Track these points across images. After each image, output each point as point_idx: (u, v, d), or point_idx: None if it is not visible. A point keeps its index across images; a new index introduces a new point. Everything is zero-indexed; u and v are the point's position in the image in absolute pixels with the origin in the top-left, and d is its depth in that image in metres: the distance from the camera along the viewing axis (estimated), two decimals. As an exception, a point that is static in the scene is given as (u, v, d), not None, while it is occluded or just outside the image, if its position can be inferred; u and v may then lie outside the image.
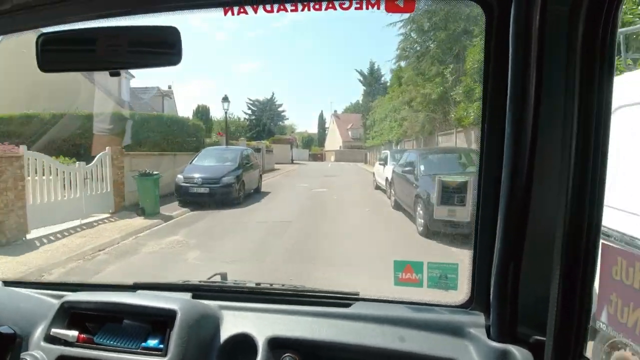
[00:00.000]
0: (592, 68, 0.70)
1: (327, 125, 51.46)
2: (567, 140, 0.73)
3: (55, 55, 0.87)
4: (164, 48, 0.86)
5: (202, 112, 28.55)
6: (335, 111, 48.98)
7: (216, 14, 0.88)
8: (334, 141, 47.70)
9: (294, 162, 30.68)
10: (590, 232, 0.73)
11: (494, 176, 0.88)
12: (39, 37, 0.86)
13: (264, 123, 40.01)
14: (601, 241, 0.77)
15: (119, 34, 0.85)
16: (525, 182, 0.82)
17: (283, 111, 42.68)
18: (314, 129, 55.05)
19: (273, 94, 45.99)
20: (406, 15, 11.54)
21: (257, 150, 19.68)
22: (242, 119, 39.24)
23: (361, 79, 33.80)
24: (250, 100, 39.91)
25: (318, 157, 44.60)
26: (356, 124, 46.22)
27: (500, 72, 0.84)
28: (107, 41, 0.84)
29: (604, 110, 0.71)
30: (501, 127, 0.84)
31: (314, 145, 51.76)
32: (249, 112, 40.53)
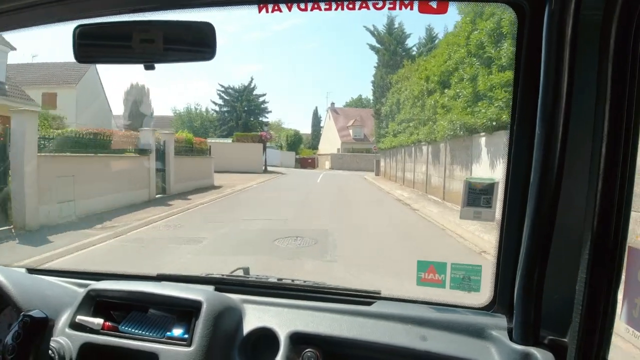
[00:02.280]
0: (624, 73, 0.93)
1: (322, 125, 50.94)
2: (597, 145, 0.97)
3: (91, 48, 1.17)
4: (198, 43, 1.16)
5: (135, 94, 26.76)
6: (333, 104, 48.20)
7: (246, 11, 1.19)
8: (330, 142, 47.22)
9: (269, 169, 29.35)
10: (617, 235, 0.96)
11: (522, 178, 1.15)
12: (75, 28, 1.15)
13: (239, 116, 39.08)
14: (628, 245, 1.00)
15: (155, 29, 1.14)
16: (554, 185, 1.05)
17: (265, 102, 41.60)
18: (308, 130, 55.88)
19: (252, 79, 45.60)
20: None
21: (142, 151, 12.73)
22: (210, 112, 39.02)
23: (374, 42, 29.30)
24: (221, 87, 38.83)
25: (308, 163, 43.68)
26: (360, 120, 45.38)
27: (532, 75, 1.09)
28: (143, 35, 1.13)
29: (634, 116, 0.95)
30: (531, 129, 1.09)
31: (303, 146, 51.18)
32: (221, 102, 39.36)
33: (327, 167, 40.59)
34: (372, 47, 29.28)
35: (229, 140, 30.58)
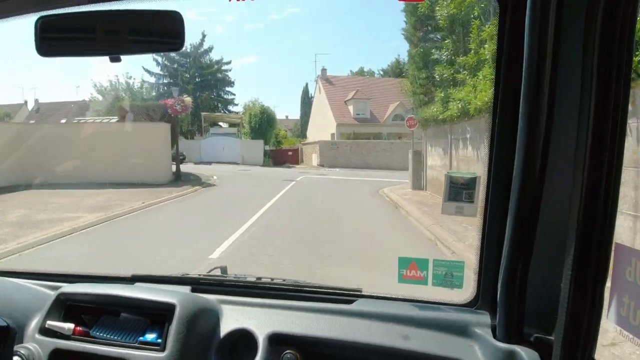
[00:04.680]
0: (609, 61, 1.21)
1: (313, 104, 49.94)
2: (581, 137, 1.26)
3: (54, 40, 1.59)
4: (166, 33, 1.58)
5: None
6: (324, 70, 47.25)
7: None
8: (320, 126, 45.76)
9: (197, 172, 24.78)
10: (603, 232, 1.26)
11: (505, 172, 1.55)
12: (37, 20, 1.56)
13: (183, 89, 37.83)
14: (614, 242, 1.30)
15: (120, 19, 1.56)
16: (538, 179, 1.41)
17: (226, 71, 41.52)
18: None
19: (204, 36, 43.90)
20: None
21: None
22: (143, 84, 37.36)
23: None
24: (159, 49, 36.97)
25: (287, 157, 40.71)
26: (365, 91, 44.10)
27: (515, 65, 1.46)
28: (108, 26, 1.55)
29: (620, 105, 1.22)
30: (513, 122, 1.46)
31: (292, 133, 50.41)
32: (159, 70, 38.44)
33: (314, 163, 37.79)
34: None
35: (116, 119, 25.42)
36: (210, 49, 38.69)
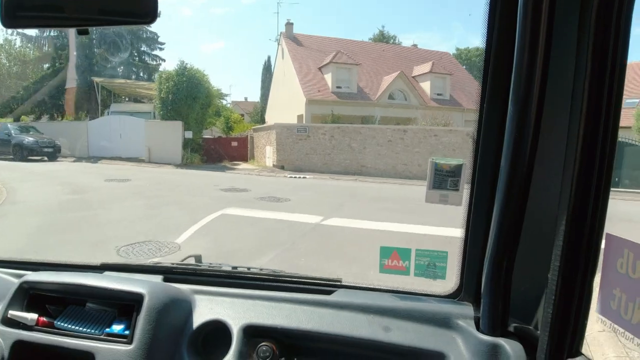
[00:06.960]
0: (604, 47, 1.52)
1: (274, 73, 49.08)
2: (574, 125, 1.59)
3: (19, 10, 2.00)
4: (138, 6, 2.00)
5: None
6: (290, 23, 46.32)
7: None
8: (284, 103, 44.56)
9: None
10: (594, 221, 1.59)
11: (492, 160, 1.96)
12: None
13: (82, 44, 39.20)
14: (605, 232, 1.64)
15: None
16: (527, 166, 1.75)
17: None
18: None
19: None
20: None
21: None
22: (24, 41, 37.07)
23: None
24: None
25: (231, 150, 37.31)
26: (349, 54, 41.83)
27: (505, 48, 1.80)
28: None
29: (615, 94, 1.54)
30: (503, 108, 1.82)
31: (251, 119, 51.52)
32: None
33: (268, 162, 33.34)
34: None
35: None
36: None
